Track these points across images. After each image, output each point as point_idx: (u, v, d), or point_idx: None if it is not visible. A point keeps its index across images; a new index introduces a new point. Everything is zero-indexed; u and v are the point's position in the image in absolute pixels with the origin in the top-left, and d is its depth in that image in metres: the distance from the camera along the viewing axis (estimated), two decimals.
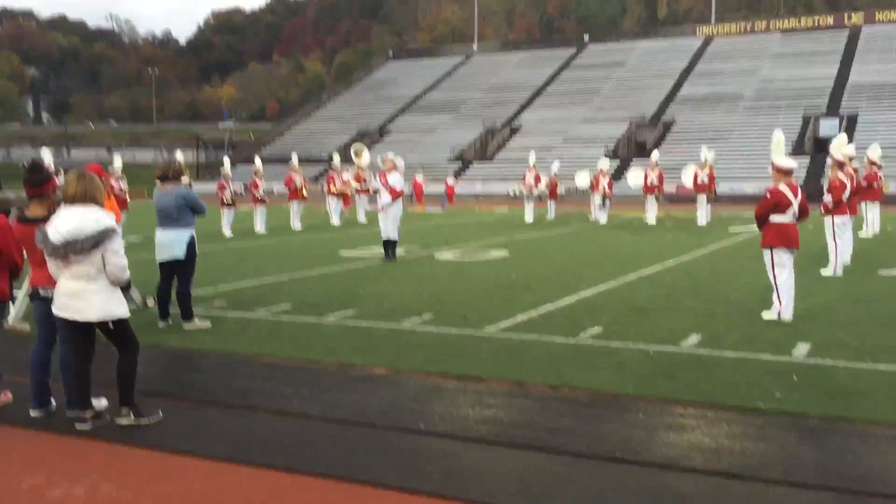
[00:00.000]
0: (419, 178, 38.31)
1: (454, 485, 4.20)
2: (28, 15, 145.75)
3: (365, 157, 20.16)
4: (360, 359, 6.88)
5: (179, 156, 22.12)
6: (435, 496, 4.08)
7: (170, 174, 8.55)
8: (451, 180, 40.01)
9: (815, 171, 40.15)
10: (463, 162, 53.87)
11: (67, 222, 5.01)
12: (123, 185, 20.03)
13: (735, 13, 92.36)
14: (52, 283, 5.31)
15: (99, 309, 5.11)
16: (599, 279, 11.52)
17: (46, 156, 20.06)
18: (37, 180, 5.64)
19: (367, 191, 24.49)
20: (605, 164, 26.12)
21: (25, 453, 4.87)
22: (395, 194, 14.12)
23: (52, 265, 5.17)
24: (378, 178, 14.46)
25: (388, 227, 14.23)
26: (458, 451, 4.71)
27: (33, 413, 5.50)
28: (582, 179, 27.52)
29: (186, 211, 8.44)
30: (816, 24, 63.08)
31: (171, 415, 5.44)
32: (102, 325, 5.18)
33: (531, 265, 13.46)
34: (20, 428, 5.33)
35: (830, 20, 63.14)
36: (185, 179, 9.00)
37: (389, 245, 14.33)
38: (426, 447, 4.79)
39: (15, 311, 8.27)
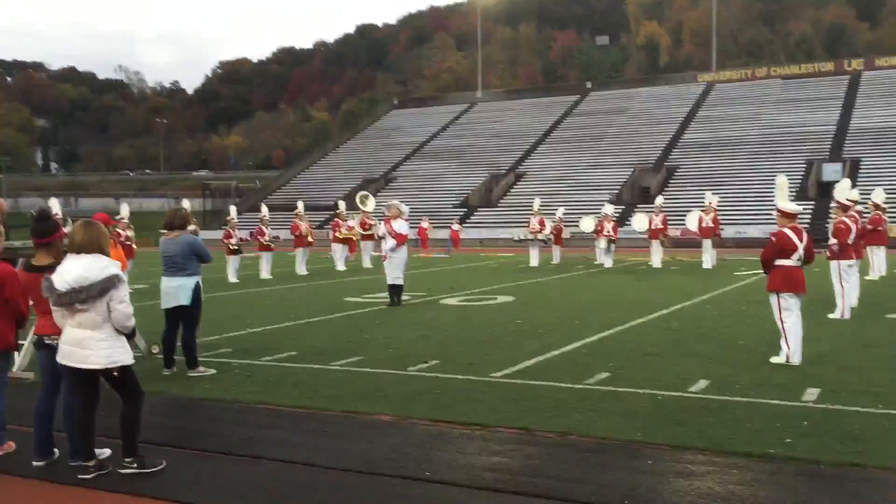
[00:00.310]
0: (424, 224, 38.43)
1: None
2: (38, 67, 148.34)
3: (370, 204, 20.28)
4: (365, 406, 6.83)
5: (186, 204, 22.30)
6: None
7: (176, 222, 8.60)
8: (456, 226, 40.13)
9: (820, 215, 40.16)
10: (468, 208, 54.09)
11: (73, 271, 5.03)
12: (130, 233, 20.14)
13: (735, 60, 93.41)
14: (57, 331, 5.31)
15: (104, 357, 5.10)
16: (606, 324, 11.47)
17: (55, 205, 20.20)
18: (44, 229, 5.67)
19: (373, 237, 24.58)
20: (610, 209, 26.21)
21: None
22: (401, 239, 14.20)
23: (57, 314, 5.18)
24: (383, 225, 14.57)
25: (394, 272, 14.27)
26: (464, 500, 4.65)
27: (36, 463, 5.45)
28: (587, 224, 27.59)
29: (193, 259, 8.47)
30: (817, 70, 63.65)
31: (175, 464, 5.39)
32: (107, 373, 5.17)
33: (537, 310, 13.43)
34: (23, 478, 5.28)
35: (831, 66, 63.71)
36: (191, 227, 9.06)
37: (395, 290, 14.35)
38: (432, 495, 4.73)
39: (19, 360, 8.26)
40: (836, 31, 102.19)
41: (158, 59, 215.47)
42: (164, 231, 8.75)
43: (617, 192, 50.04)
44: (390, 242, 14.25)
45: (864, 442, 5.49)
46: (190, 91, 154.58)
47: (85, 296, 4.99)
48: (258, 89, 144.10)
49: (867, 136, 50.12)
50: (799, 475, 4.92)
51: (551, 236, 26.63)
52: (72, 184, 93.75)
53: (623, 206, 46.71)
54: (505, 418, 6.32)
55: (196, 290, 8.50)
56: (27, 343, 8.11)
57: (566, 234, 29.64)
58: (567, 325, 11.47)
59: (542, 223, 26.06)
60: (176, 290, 8.45)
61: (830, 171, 45.61)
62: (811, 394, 6.92)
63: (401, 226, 14.27)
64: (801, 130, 52.90)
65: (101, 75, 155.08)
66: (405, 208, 14.93)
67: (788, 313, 8.39)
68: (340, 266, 25.22)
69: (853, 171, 44.64)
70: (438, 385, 7.59)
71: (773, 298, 8.52)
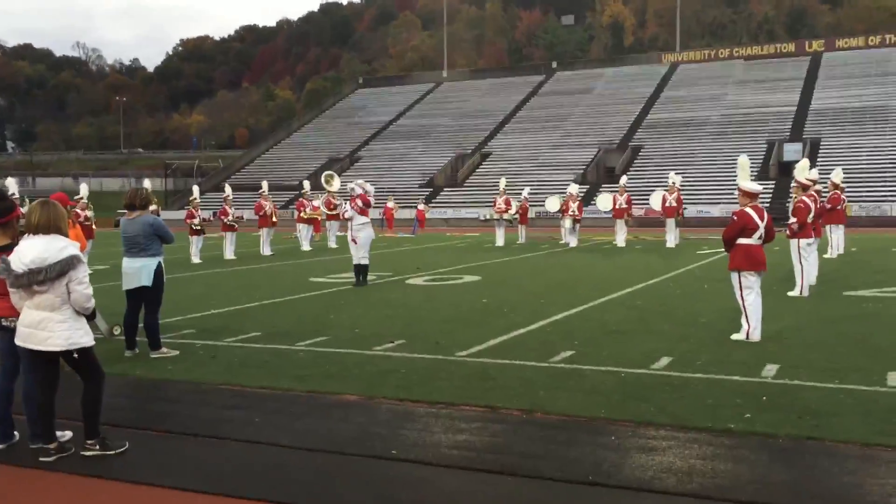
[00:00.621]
0: (390, 204, 38.32)
1: None
2: None
3: (336, 184, 20.15)
4: (331, 386, 6.82)
5: (147, 183, 21.97)
6: None
7: (137, 202, 8.47)
8: (421, 206, 40.07)
9: (780, 194, 40.80)
10: (434, 188, 54.01)
11: (31, 252, 4.94)
12: (90, 213, 19.81)
13: (699, 40, 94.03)
14: (14, 313, 5.22)
15: (63, 338, 5.03)
16: (571, 303, 11.56)
17: (11, 185, 19.81)
18: (1, 209, 5.55)
19: (338, 216, 24.46)
20: (575, 189, 26.36)
21: None
22: (364, 212, 14.20)
23: (14, 295, 5.09)
24: (349, 204, 14.50)
25: (360, 252, 14.23)
26: (430, 478, 4.67)
27: None
28: (552, 204, 27.72)
29: (154, 239, 8.36)
30: (778, 51, 64.36)
31: (138, 445, 5.34)
32: (67, 354, 5.09)
33: (503, 290, 13.48)
34: None
35: (792, 47, 64.46)
36: (152, 207, 8.93)
37: (361, 270, 14.31)
38: (399, 474, 4.75)
39: None
40: (797, 12, 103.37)
41: (118, 36, 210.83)
42: (125, 211, 8.61)
43: (582, 171, 50.31)
44: (358, 219, 14.20)
45: (821, 416, 5.62)
46: (150, 69, 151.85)
47: (43, 277, 4.91)
48: (221, 68, 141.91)
49: (827, 116, 50.91)
50: (758, 449, 5.02)
51: (517, 216, 26.71)
52: (29, 163, 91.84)
53: (588, 186, 47.02)
54: (471, 396, 6.36)
55: (158, 271, 8.39)
56: None
57: (532, 213, 29.76)
58: (532, 304, 11.54)
59: (507, 203, 26.13)
60: (137, 271, 8.33)
61: (791, 151, 46.27)
62: (770, 370, 7.05)
63: (366, 202, 14.28)
64: (762, 111, 53.56)
65: (58, 52, 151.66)
66: (370, 187, 14.89)
67: (749, 291, 8.52)
68: (305, 246, 25.08)
69: (813, 151, 45.34)
70: (404, 364, 7.60)
71: (734, 276, 8.64)
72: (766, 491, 4.33)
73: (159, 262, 8.44)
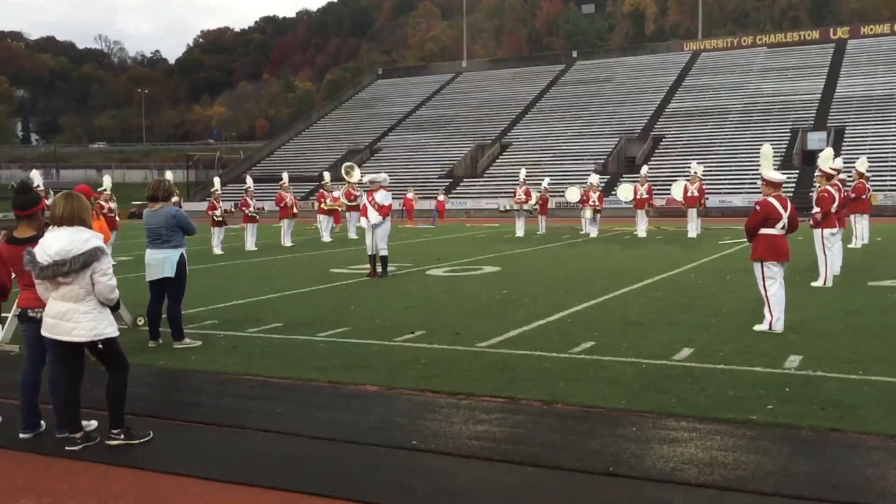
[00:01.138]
0: (410, 195, 38.35)
1: (447, 501, 4.18)
2: (16, 36, 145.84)
3: (356, 175, 20.19)
4: (351, 376, 6.85)
5: (169, 175, 22.12)
6: None
7: (159, 194, 8.54)
8: (441, 197, 40.07)
9: (804, 184, 40.39)
10: (453, 178, 53.99)
11: (55, 243, 5.00)
12: (113, 205, 19.98)
13: (721, 28, 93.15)
14: (41, 304, 5.28)
15: (88, 329, 5.09)
16: (591, 293, 11.53)
17: (36, 177, 19.99)
18: (25, 202, 5.61)
19: (358, 207, 24.51)
20: (595, 179, 26.25)
21: (15, 476, 4.82)
22: (384, 211, 14.16)
23: (40, 287, 5.15)
24: (366, 197, 14.45)
25: (379, 243, 14.24)
26: (451, 468, 4.69)
27: (23, 435, 5.45)
28: (572, 194, 27.62)
29: (177, 230, 8.43)
30: (802, 38, 63.63)
31: (162, 435, 5.40)
32: (92, 345, 5.16)
33: (522, 280, 13.47)
34: (10, 450, 5.28)
35: (816, 34, 63.71)
36: (174, 199, 9.01)
37: (382, 261, 14.34)
38: (419, 464, 4.77)
39: (3, 332, 8.23)
40: None
41: (139, 29, 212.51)
42: (148, 203, 8.68)
43: (602, 161, 50.09)
44: (374, 216, 14.13)
45: (844, 408, 5.57)
46: (171, 61, 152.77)
47: (68, 269, 4.96)
48: (241, 59, 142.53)
49: (851, 104, 50.29)
50: (780, 440, 4.99)
51: (537, 206, 26.64)
52: (52, 155, 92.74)
53: (608, 176, 46.80)
54: (490, 387, 6.36)
55: (181, 262, 8.47)
56: (11, 316, 8.08)
57: (552, 203, 29.67)
58: (552, 295, 11.52)
59: (527, 193, 26.06)
60: (160, 263, 8.41)
61: (815, 139, 45.81)
62: (793, 361, 7.00)
63: (384, 197, 14.21)
64: (786, 99, 53.02)
65: (80, 45, 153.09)
66: (384, 176, 14.87)
67: (772, 281, 8.46)
68: (326, 237, 25.17)
69: (837, 139, 44.84)
70: (424, 355, 7.62)
71: (756, 267, 8.58)
72: (788, 482, 4.31)
73: (182, 254, 8.51)
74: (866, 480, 4.32)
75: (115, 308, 5.34)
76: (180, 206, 11.08)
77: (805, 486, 4.27)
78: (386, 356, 7.62)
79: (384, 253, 14.35)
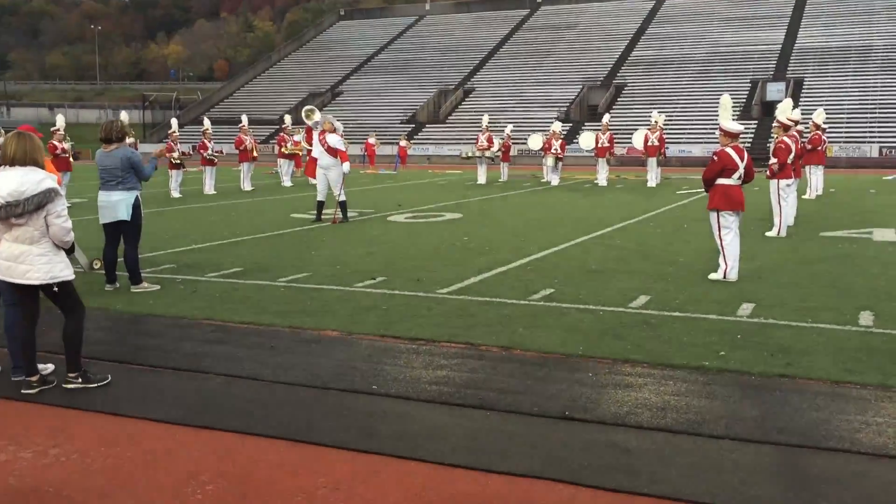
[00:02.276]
0: (372, 140, 38.00)
1: (407, 445, 4.25)
2: None
3: (316, 118, 19.93)
4: (312, 322, 6.87)
5: (124, 116, 21.62)
6: (388, 456, 4.12)
7: (113, 135, 8.34)
8: (403, 142, 39.78)
9: (763, 134, 40.84)
10: (416, 124, 53.56)
11: (8, 184, 4.88)
12: (67, 145, 19.50)
13: None
14: None
15: (43, 272, 5.01)
16: (551, 241, 11.63)
17: None
18: None
19: None
20: (558, 127, 26.25)
21: None
22: (344, 156, 14.03)
23: None
24: (317, 139, 14.18)
25: (334, 189, 14.06)
26: (410, 412, 4.76)
27: None
28: (535, 142, 27.62)
29: (131, 172, 8.26)
30: None
31: (120, 379, 5.38)
32: (47, 288, 5.09)
33: (484, 227, 13.52)
34: None
35: None
36: (130, 140, 8.82)
37: (340, 206, 14.23)
38: (379, 408, 4.83)
39: None
40: None
41: None
42: (102, 145, 8.49)
43: (565, 109, 50.02)
44: (325, 158, 13.94)
45: (794, 354, 5.74)
46: None
47: (21, 210, 4.86)
48: None
49: (811, 55, 50.68)
50: (730, 385, 5.14)
51: (499, 153, 26.61)
52: (3, 94, 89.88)
53: (571, 124, 46.80)
54: (450, 333, 6.43)
55: (136, 205, 8.33)
56: None
57: (514, 151, 29.65)
58: (513, 242, 11.59)
59: (490, 140, 26.00)
60: (115, 205, 8.26)
61: (774, 90, 46.25)
62: (745, 309, 7.17)
63: (336, 141, 13.98)
64: (746, 49, 53.22)
65: None
66: (339, 124, 14.70)
67: (727, 231, 8.60)
68: (286, 182, 24.92)
69: (796, 90, 45.29)
70: (385, 301, 7.65)
71: (712, 216, 8.71)
72: (736, 426, 4.45)
73: (137, 196, 8.37)
74: (811, 424, 4.48)
75: (70, 251, 5.26)
76: (136, 148, 10.86)
77: (753, 429, 4.41)
78: (347, 302, 7.64)
79: (342, 198, 14.23)
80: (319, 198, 14.31)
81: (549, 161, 25.29)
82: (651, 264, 9.64)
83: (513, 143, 28.40)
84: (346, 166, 14.11)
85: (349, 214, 14.55)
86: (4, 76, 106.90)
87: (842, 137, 40.36)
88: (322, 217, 14.26)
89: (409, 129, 51.50)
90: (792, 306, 7.27)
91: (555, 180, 24.95)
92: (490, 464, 3.99)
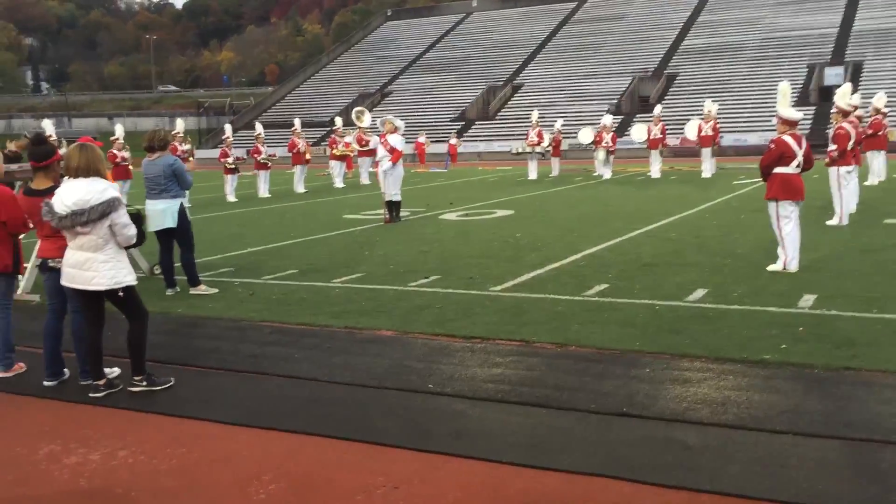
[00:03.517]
0: (422, 138, 38.11)
1: (463, 443, 4.26)
2: None
3: (366, 120, 20.08)
4: (367, 322, 6.93)
5: (180, 123, 22.08)
6: (445, 455, 4.14)
7: (156, 143, 8.52)
8: (453, 140, 39.80)
9: (821, 120, 39.79)
10: (465, 121, 53.55)
11: (73, 194, 5.03)
12: (126, 154, 19.99)
13: None
14: (60, 254, 5.36)
15: (108, 278, 5.16)
16: (605, 236, 11.52)
17: (48, 127, 19.98)
18: (41, 153, 5.65)
19: (370, 153, 24.43)
20: (609, 120, 25.98)
21: (41, 422, 4.94)
22: (397, 155, 14.12)
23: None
24: (379, 141, 14.43)
25: (391, 188, 14.23)
26: (466, 411, 4.77)
27: (47, 383, 5.58)
28: (585, 136, 27.36)
29: (173, 180, 8.44)
30: None
31: (182, 381, 5.51)
32: (112, 293, 5.23)
33: (536, 223, 13.46)
34: (35, 398, 5.41)
35: None
36: (187, 147, 9.01)
37: (393, 206, 14.34)
38: (435, 407, 4.85)
39: (24, 282, 8.35)
40: None
41: None
42: (146, 153, 8.68)
43: (616, 102, 49.46)
44: (386, 161, 14.13)
45: (858, 346, 5.60)
46: (179, 6, 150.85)
47: (86, 219, 5.01)
48: (249, 2, 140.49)
49: (870, 38, 49.16)
50: (792, 379, 5.03)
51: (550, 148, 26.44)
52: (64, 104, 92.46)
53: (622, 116, 46.27)
54: (505, 331, 6.42)
55: (181, 212, 8.52)
56: (31, 266, 8.19)
57: (564, 145, 29.44)
58: (566, 238, 11.52)
59: (540, 135, 25.83)
60: (161, 213, 8.45)
61: (832, 75, 44.97)
62: (807, 300, 7.01)
63: (396, 140, 14.15)
64: (802, 33, 51.90)
65: None
66: (400, 122, 14.79)
67: (786, 221, 8.41)
68: (339, 183, 25.15)
69: (855, 74, 43.99)
70: (439, 300, 7.68)
71: (771, 206, 8.53)
72: (800, 420, 4.36)
73: (181, 203, 8.55)
74: (878, 418, 4.36)
75: (134, 245, 5.39)
76: (193, 154, 11.06)
77: (817, 424, 4.32)
78: (401, 301, 7.68)
79: (397, 198, 14.34)
80: (387, 197, 14.34)
81: (601, 155, 25.02)
82: (708, 257, 9.49)
83: (563, 138, 28.19)
84: (385, 162, 14.11)
85: (402, 214, 14.62)
86: (65, 88, 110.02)
87: None
88: (392, 217, 14.26)
89: (459, 127, 51.50)
90: (856, 296, 7.08)
91: (607, 174, 24.69)
92: (547, 462, 3.98)
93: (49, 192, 5.39)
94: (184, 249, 8.56)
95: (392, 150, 14.04)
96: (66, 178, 5.17)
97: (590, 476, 3.81)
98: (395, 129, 14.26)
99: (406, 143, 15.68)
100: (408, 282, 8.59)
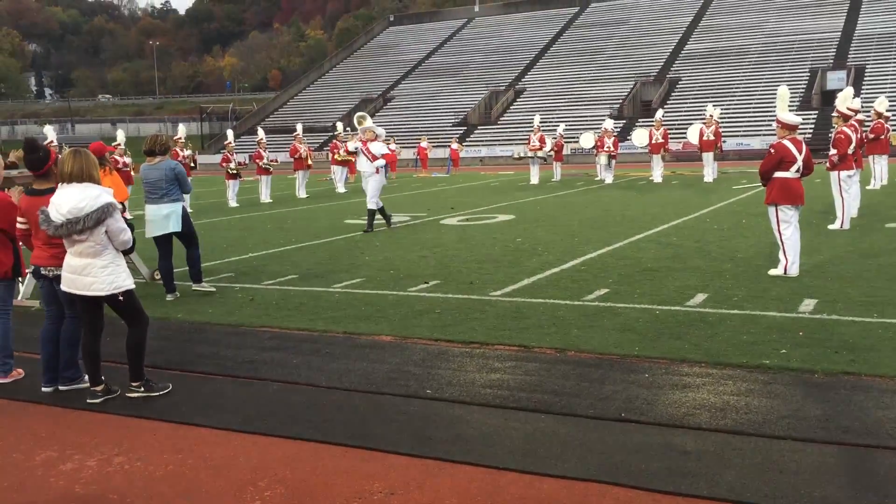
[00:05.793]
0: (424, 143, 38.14)
1: (462, 449, 4.24)
2: None
3: (367, 123, 20.08)
4: (366, 327, 6.91)
5: (182, 128, 22.11)
6: (443, 460, 4.12)
7: (157, 148, 8.55)
8: (455, 145, 39.82)
9: (823, 125, 39.77)
10: (467, 126, 53.59)
11: (67, 201, 5.02)
12: (128, 159, 20.00)
13: None
14: (52, 262, 5.39)
15: (107, 283, 5.15)
16: (605, 240, 11.51)
17: (50, 133, 20.01)
18: (35, 161, 5.63)
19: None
20: (610, 125, 25.99)
21: (38, 428, 4.93)
22: (390, 157, 14.02)
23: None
24: (361, 148, 14.01)
25: (370, 195, 13.78)
26: (465, 416, 4.75)
27: (45, 389, 5.56)
28: (587, 140, 27.38)
29: (175, 184, 8.47)
30: None
31: (180, 387, 5.50)
32: (111, 299, 5.22)
33: (537, 228, 13.45)
34: (32, 403, 5.40)
35: None
36: (188, 152, 9.04)
37: (368, 214, 13.86)
38: (434, 412, 4.83)
39: (24, 288, 8.35)
40: None
41: None
42: (146, 158, 8.71)
43: (618, 106, 49.48)
44: (367, 166, 13.76)
45: (858, 351, 5.57)
46: (182, 12, 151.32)
47: (82, 226, 5.00)
48: (251, 8, 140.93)
49: (872, 42, 49.18)
50: (792, 384, 5.00)
51: (552, 153, 26.45)
52: (67, 110, 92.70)
53: (624, 121, 46.28)
54: (504, 336, 6.41)
55: (184, 215, 8.58)
56: (30, 272, 8.18)
57: (566, 150, 29.45)
58: (567, 243, 11.51)
59: (542, 140, 25.85)
60: (164, 218, 8.47)
61: (834, 79, 44.98)
62: (807, 305, 6.99)
63: (378, 148, 13.86)
64: (804, 38, 51.92)
65: None
66: (381, 130, 14.64)
67: (787, 225, 8.40)
68: (340, 188, 25.17)
69: (857, 78, 43.98)
70: (438, 305, 7.66)
71: (771, 211, 8.51)
72: (799, 426, 4.33)
73: (183, 206, 8.61)
74: (878, 423, 4.33)
75: (127, 252, 5.40)
76: (195, 160, 11.08)
77: (816, 429, 4.29)
78: (400, 306, 7.67)
79: (370, 206, 13.79)
80: (369, 206, 14.12)
81: (603, 159, 25.05)
82: (708, 261, 9.47)
83: (565, 142, 28.21)
84: (367, 166, 13.80)
85: (402, 218, 14.54)
86: (68, 94, 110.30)
87: None
88: (370, 227, 14.00)
89: (461, 132, 51.54)
90: (856, 301, 7.06)
91: (608, 178, 24.69)
92: (545, 467, 3.96)
93: (51, 191, 5.37)
94: (191, 247, 8.70)
95: (373, 157, 13.65)
96: (60, 184, 5.16)
97: (588, 482, 3.79)
98: (376, 137, 14.01)
99: (408, 148, 15.61)
100: (408, 287, 8.58)
